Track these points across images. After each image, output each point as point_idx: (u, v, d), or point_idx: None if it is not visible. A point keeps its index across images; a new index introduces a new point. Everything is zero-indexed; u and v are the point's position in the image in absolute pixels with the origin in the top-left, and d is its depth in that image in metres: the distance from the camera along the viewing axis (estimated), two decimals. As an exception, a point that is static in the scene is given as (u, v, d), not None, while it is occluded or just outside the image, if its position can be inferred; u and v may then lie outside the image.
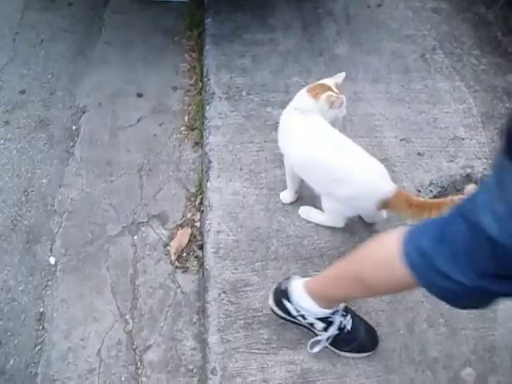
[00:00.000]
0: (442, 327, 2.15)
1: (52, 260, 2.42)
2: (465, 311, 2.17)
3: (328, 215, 2.32)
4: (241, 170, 2.52)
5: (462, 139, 2.74)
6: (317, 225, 2.35)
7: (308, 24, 3.19)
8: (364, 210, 2.25)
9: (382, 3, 3.39)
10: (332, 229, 2.34)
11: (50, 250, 2.45)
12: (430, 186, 2.54)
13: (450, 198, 2.10)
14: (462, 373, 2.06)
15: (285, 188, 2.43)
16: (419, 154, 2.65)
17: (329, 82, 2.26)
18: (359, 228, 2.36)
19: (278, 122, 2.64)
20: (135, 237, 2.50)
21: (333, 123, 2.25)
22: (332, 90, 2.20)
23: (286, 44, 3.07)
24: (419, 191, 2.51)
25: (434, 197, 2.51)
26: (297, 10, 3.26)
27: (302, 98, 2.25)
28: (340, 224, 2.32)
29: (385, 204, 2.14)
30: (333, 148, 2.16)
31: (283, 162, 2.42)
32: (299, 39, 3.11)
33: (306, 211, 2.37)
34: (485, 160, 2.66)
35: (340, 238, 2.33)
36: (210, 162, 2.54)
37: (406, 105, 2.85)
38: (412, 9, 3.38)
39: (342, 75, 2.28)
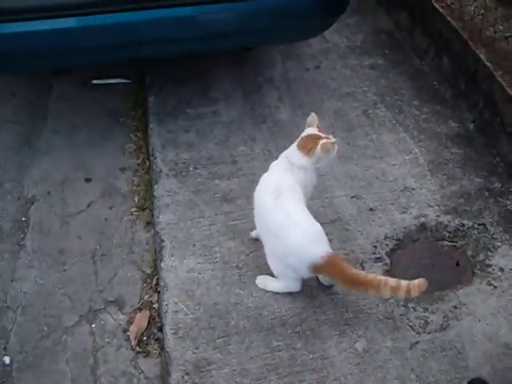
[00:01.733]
0: (414, 383, 2.11)
1: (7, 359, 2.32)
2: (434, 363, 2.15)
3: (281, 279, 2.29)
4: (194, 246, 2.49)
5: (413, 189, 2.76)
6: (275, 293, 2.32)
7: (249, 93, 3.24)
8: (300, 272, 2.21)
9: (320, 65, 3.46)
10: (291, 295, 2.31)
11: (5, 349, 2.35)
12: (385, 239, 2.55)
13: (380, 277, 2.13)
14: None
15: (239, 260, 2.42)
16: (371, 209, 2.66)
17: (312, 130, 2.28)
18: (318, 291, 2.33)
19: (226, 194, 2.67)
20: (93, 325, 2.42)
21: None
22: (321, 137, 2.23)
23: (228, 115, 3.11)
24: (375, 247, 2.51)
25: (391, 250, 2.52)
26: (237, 80, 3.31)
27: (295, 156, 2.26)
28: (296, 288, 2.29)
29: (317, 269, 2.14)
30: (276, 200, 2.17)
31: (236, 234, 2.42)
32: (241, 108, 3.15)
33: (262, 280, 2.35)
34: (437, 207, 2.68)
35: (300, 304, 2.30)
36: (162, 241, 2.51)
37: (353, 162, 2.88)
38: (350, 67, 3.47)
39: (314, 116, 2.32)
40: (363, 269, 2.42)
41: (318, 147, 2.21)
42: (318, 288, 2.34)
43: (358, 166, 2.86)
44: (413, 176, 2.83)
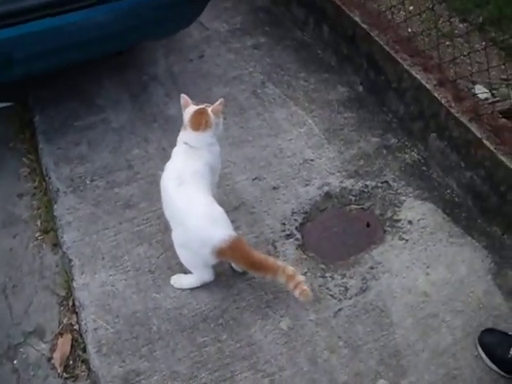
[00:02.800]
0: (343, 350, 2.15)
1: None
2: (360, 326, 2.19)
3: (193, 271, 2.28)
4: (103, 259, 2.43)
5: (312, 160, 2.79)
6: (192, 290, 2.30)
7: (136, 94, 3.17)
8: (206, 258, 2.18)
9: (204, 53, 3.43)
10: (209, 289, 2.30)
11: None
12: (292, 215, 2.56)
13: (279, 264, 2.13)
14: (375, 387, 2.07)
15: (151, 264, 2.38)
16: (274, 188, 2.67)
17: (192, 107, 2.29)
18: (234, 280, 2.33)
19: (127, 200, 2.62)
20: (15, 361, 2.32)
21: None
22: (204, 108, 2.27)
23: (118, 120, 3.03)
24: (284, 224, 2.52)
25: (301, 224, 2.54)
26: (122, 83, 3.23)
27: (195, 139, 2.26)
28: (209, 277, 2.28)
29: (221, 253, 2.13)
30: (179, 187, 2.17)
31: (143, 238, 2.38)
32: (130, 111, 3.08)
33: (176, 280, 2.32)
34: (339, 174, 2.72)
35: (219, 295, 2.30)
36: (70, 260, 2.44)
37: (249, 144, 2.88)
38: (233, 51, 3.45)
39: (185, 97, 2.33)
40: (275, 248, 2.43)
41: (210, 114, 2.25)
42: (234, 276, 2.34)
43: (254, 148, 2.86)
44: (310, 147, 2.85)
